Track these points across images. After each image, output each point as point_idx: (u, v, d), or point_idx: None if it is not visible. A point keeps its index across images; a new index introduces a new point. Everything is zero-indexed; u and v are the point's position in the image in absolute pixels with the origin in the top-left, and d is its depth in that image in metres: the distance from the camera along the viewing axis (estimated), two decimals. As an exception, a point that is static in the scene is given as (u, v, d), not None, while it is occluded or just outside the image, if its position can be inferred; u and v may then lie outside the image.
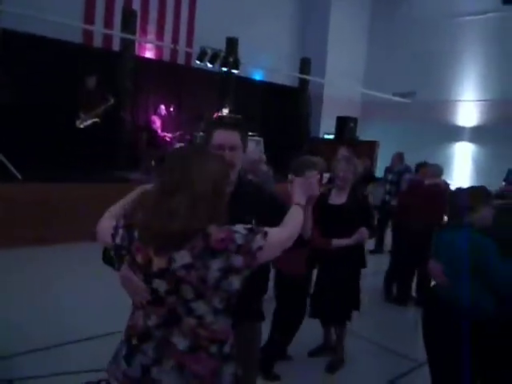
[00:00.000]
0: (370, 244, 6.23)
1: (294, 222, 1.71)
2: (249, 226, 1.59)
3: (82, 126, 8.13)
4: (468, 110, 13.21)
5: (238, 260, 1.50)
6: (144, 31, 10.76)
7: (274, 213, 1.80)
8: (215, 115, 10.44)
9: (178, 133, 9.69)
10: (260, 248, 1.53)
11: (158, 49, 11.27)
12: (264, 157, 5.07)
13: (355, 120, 13.14)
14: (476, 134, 12.99)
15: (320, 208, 2.50)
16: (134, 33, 9.64)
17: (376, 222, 6.10)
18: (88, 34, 9.94)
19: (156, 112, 9.94)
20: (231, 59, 10.90)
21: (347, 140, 11.49)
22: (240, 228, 1.55)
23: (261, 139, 10.32)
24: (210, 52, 10.55)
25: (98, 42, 10.14)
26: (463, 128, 13.30)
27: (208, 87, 11.14)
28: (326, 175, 4.60)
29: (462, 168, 13.31)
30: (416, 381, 3.75)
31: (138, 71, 9.62)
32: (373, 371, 3.92)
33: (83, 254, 6.03)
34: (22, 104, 8.19)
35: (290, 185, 1.91)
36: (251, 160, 4.58)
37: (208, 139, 1.97)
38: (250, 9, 12.09)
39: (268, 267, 2.15)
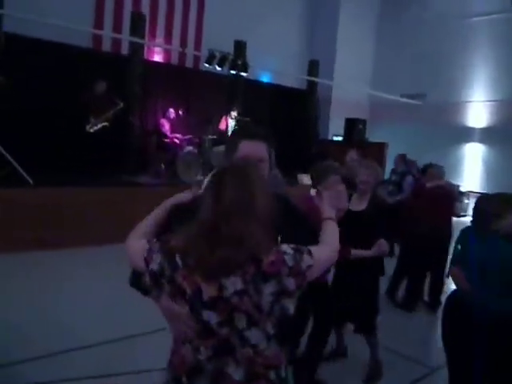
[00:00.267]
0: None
1: (333, 238, 1.65)
2: (292, 245, 1.49)
3: (91, 131, 8.17)
4: (478, 111, 13.13)
5: (290, 282, 1.42)
6: (153, 35, 10.81)
7: (299, 228, 1.73)
8: (224, 120, 10.47)
9: (187, 137, 9.70)
10: (309, 267, 1.46)
11: (167, 52, 11.30)
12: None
13: (364, 122, 13.08)
14: (486, 135, 12.91)
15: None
16: (142, 37, 9.67)
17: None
18: (97, 39, 10.00)
19: (165, 115, 9.96)
20: (239, 62, 10.91)
21: (356, 142, 11.46)
22: (287, 248, 1.46)
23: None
24: (218, 55, 10.57)
25: (106, 46, 10.21)
26: (473, 129, 13.21)
27: (216, 90, 11.16)
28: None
29: (472, 169, 13.22)
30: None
31: (147, 75, 9.65)
32: (385, 377, 3.89)
33: (91, 259, 6.11)
34: (31, 109, 8.24)
35: (317, 197, 1.83)
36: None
37: (232, 150, 1.80)
38: (258, 11, 12.11)
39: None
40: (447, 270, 5.46)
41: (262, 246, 1.41)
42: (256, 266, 1.39)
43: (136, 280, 1.69)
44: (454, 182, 12.77)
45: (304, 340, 3.46)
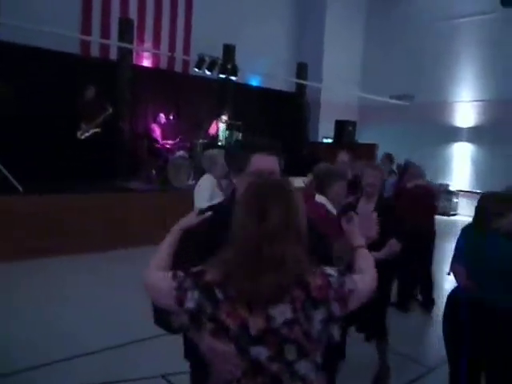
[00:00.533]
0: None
1: (371, 267, 1.57)
2: (333, 267, 1.42)
3: (83, 137, 8.13)
4: (465, 111, 13.27)
5: (335, 307, 1.34)
6: (141, 40, 10.79)
7: (321, 245, 1.67)
8: (214, 124, 10.46)
9: (178, 139, 9.68)
10: (351, 292, 1.38)
11: (155, 57, 11.29)
12: None
13: (354, 123, 13.16)
14: (474, 135, 13.06)
15: None
16: (131, 42, 9.65)
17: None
18: (85, 45, 9.95)
19: (155, 120, 9.94)
20: (229, 66, 10.92)
21: (346, 144, 11.50)
22: (330, 270, 1.39)
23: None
24: (208, 59, 10.58)
25: (95, 51, 10.15)
26: (461, 129, 13.36)
27: (206, 94, 11.16)
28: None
29: (461, 168, 13.35)
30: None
31: (136, 80, 9.64)
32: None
33: (84, 265, 6.09)
34: (21, 115, 8.17)
35: (346, 221, 1.75)
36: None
37: (243, 163, 1.72)
38: (246, 15, 12.13)
39: None
40: (433, 267, 5.57)
41: (306, 268, 1.33)
42: (304, 291, 1.30)
43: (161, 318, 1.58)
44: (442, 182, 12.94)
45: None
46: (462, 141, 13.33)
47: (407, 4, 14.02)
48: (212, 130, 10.53)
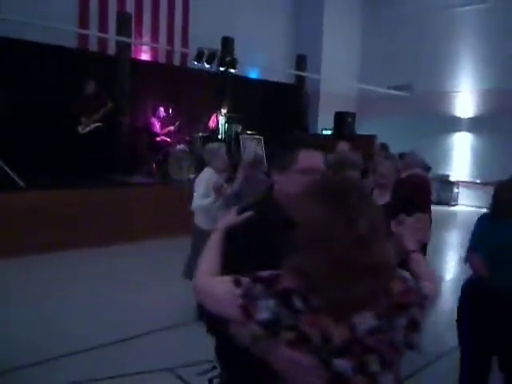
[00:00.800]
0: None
1: (433, 275, 1.50)
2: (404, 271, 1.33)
3: (83, 132, 8.13)
4: (465, 101, 13.25)
5: (417, 313, 1.26)
6: (139, 34, 10.74)
7: None
8: (214, 117, 10.45)
9: (176, 123, 9.65)
10: (425, 298, 1.30)
11: (154, 51, 11.25)
12: (262, 157, 4.82)
13: (353, 115, 13.12)
14: (474, 124, 13.05)
15: None
16: (129, 36, 9.62)
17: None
18: (83, 39, 9.92)
19: (155, 114, 9.93)
20: (228, 59, 10.89)
21: (346, 135, 11.48)
22: (405, 273, 1.31)
23: (261, 138, 10.32)
24: (207, 52, 10.54)
25: (93, 46, 10.12)
26: (461, 118, 13.34)
27: (205, 87, 11.14)
28: None
29: (461, 158, 13.35)
30: (427, 379, 3.75)
31: (135, 74, 9.61)
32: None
33: (87, 260, 6.12)
34: (19, 111, 8.18)
35: (397, 224, 1.68)
36: (245, 163, 4.41)
37: (288, 160, 1.61)
38: (244, 7, 12.09)
39: None
40: (428, 257, 5.58)
41: (394, 273, 1.25)
42: (387, 295, 1.21)
43: (211, 322, 1.50)
44: (442, 172, 12.94)
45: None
46: (461, 131, 13.33)
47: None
48: (212, 123, 10.52)
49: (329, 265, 1.15)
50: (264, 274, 1.26)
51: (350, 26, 14.73)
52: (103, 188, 7.61)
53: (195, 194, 4.32)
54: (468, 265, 2.82)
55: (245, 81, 12.41)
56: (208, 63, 10.63)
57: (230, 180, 4.54)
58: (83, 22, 9.88)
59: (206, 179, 4.30)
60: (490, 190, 2.85)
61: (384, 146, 7.74)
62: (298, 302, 1.18)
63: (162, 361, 3.57)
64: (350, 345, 1.18)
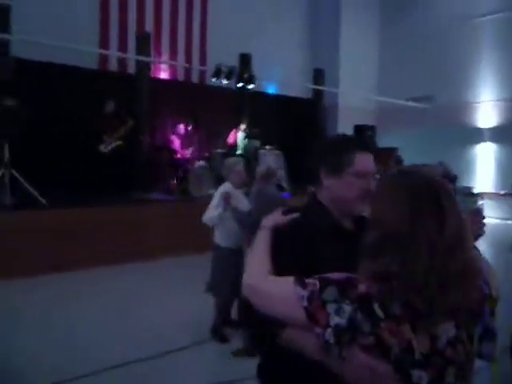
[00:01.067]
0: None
1: (493, 272, 1.42)
2: None
3: (106, 150, 8.24)
4: (487, 111, 13.04)
5: (491, 320, 1.23)
6: (158, 52, 10.91)
7: None
8: (233, 133, 10.48)
9: (191, 149, 9.73)
10: (495, 302, 1.28)
11: (173, 69, 11.40)
12: (276, 170, 4.69)
13: (373, 128, 13.05)
14: (497, 134, 12.81)
15: None
16: (148, 55, 9.76)
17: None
18: (103, 60, 10.12)
19: (174, 132, 10.01)
20: (246, 75, 10.95)
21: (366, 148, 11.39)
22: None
23: (280, 152, 10.30)
24: (224, 69, 10.62)
25: (113, 66, 10.31)
26: (483, 129, 13.12)
27: (223, 104, 11.20)
28: None
29: (485, 170, 13.10)
30: None
31: (154, 92, 9.73)
32: None
33: (106, 278, 6.10)
34: (42, 131, 8.32)
35: None
36: (258, 175, 4.34)
37: (344, 163, 1.54)
38: (260, 23, 12.18)
39: None
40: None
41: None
42: (466, 304, 1.15)
43: (263, 332, 1.41)
44: (466, 184, 12.69)
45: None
46: (484, 141, 13.10)
47: (424, 4, 13.88)
48: (230, 140, 10.55)
49: (417, 271, 1.07)
50: (336, 276, 1.17)
51: (367, 39, 14.70)
52: (122, 205, 7.67)
53: (209, 206, 4.32)
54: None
55: (263, 96, 12.45)
56: (226, 80, 10.70)
57: (246, 195, 4.51)
58: (103, 42, 10.09)
59: (220, 192, 4.29)
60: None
61: (398, 160, 7.66)
62: (377, 309, 1.10)
63: (185, 379, 3.52)
64: (430, 356, 1.11)
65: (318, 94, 13.50)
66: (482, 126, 13.16)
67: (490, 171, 13.03)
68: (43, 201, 6.79)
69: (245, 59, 11.20)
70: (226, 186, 4.39)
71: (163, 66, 11.25)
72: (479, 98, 13.17)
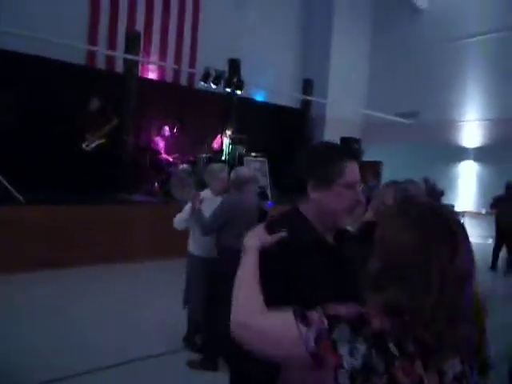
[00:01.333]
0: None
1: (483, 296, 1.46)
2: None
3: (88, 148, 8.09)
4: (471, 130, 13.19)
5: (488, 354, 1.23)
6: (147, 52, 10.79)
7: None
8: (218, 138, 10.40)
9: (175, 155, 9.64)
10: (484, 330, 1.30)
11: (161, 70, 11.29)
12: (255, 178, 4.43)
13: (359, 141, 13.09)
14: (480, 154, 12.95)
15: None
16: (137, 54, 9.65)
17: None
18: (91, 56, 9.96)
19: (159, 133, 9.89)
20: (234, 80, 10.89)
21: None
22: None
23: (265, 160, 10.26)
24: (213, 73, 10.55)
25: (101, 63, 10.16)
26: (467, 148, 13.26)
27: (210, 108, 11.12)
28: None
29: (467, 187, 13.23)
30: None
31: (141, 92, 9.61)
32: None
33: (85, 278, 5.99)
34: (24, 126, 8.15)
35: None
36: (230, 182, 4.11)
37: (335, 173, 1.44)
38: (252, 30, 12.15)
39: None
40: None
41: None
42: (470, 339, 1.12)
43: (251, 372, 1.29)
44: (447, 202, 12.79)
45: None
46: (467, 159, 13.23)
47: (413, 22, 14.03)
48: (216, 145, 10.48)
49: (426, 303, 1.01)
50: (345, 312, 1.06)
51: (357, 52, 14.79)
52: (104, 205, 7.52)
53: (183, 210, 4.23)
54: None
55: (251, 103, 12.41)
56: (214, 84, 10.62)
57: None
58: (92, 38, 9.93)
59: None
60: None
61: (377, 173, 7.71)
62: (392, 347, 1.02)
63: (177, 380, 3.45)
64: None
65: (305, 104, 13.52)
66: (465, 145, 13.30)
67: (472, 190, 13.16)
68: (20, 198, 6.62)
69: (234, 64, 11.15)
70: (205, 192, 4.29)
71: (152, 67, 11.14)
72: (464, 117, 13.32)
